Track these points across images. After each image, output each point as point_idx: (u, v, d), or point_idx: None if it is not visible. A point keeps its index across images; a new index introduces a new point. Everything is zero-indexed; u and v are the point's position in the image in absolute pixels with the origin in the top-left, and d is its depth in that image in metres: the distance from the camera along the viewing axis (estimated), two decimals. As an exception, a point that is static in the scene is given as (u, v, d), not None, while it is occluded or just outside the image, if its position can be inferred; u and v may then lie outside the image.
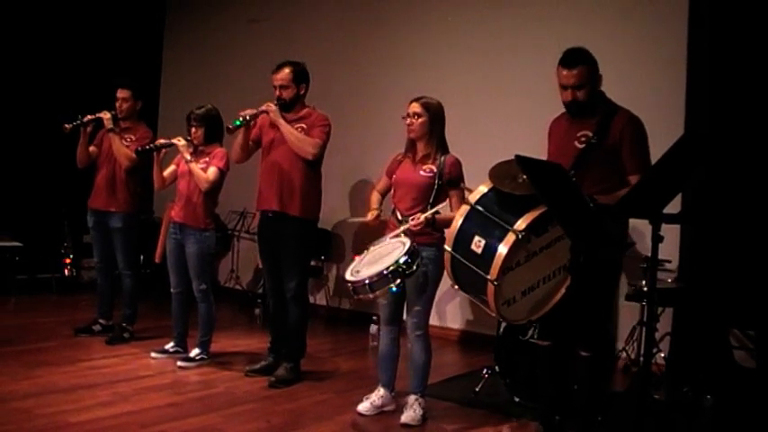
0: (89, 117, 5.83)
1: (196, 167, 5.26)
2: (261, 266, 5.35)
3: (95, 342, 5.83)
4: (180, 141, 5.35)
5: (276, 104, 4.99)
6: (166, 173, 5.54)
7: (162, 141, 5.44)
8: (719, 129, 5.36)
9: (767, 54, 5.26)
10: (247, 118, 4.95)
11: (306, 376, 5.18)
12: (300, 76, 5.07)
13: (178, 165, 5.46)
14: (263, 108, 4.97)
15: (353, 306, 7.44)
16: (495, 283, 3.47)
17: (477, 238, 3.60)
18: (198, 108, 5.39)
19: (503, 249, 3.46)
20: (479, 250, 3.58)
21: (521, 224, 3.46)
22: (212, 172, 5.29)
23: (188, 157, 5.27)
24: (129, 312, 6.00)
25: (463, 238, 3.69)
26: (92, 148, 6.04)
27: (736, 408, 4.75)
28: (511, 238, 3.45)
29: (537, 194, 3.49)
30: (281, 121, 4.94)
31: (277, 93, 5.04)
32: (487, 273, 3.49)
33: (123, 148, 5.82)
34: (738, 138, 5.19)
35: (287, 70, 5.05)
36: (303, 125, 5.02)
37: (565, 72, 3.84)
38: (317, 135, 4.98)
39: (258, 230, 5.27)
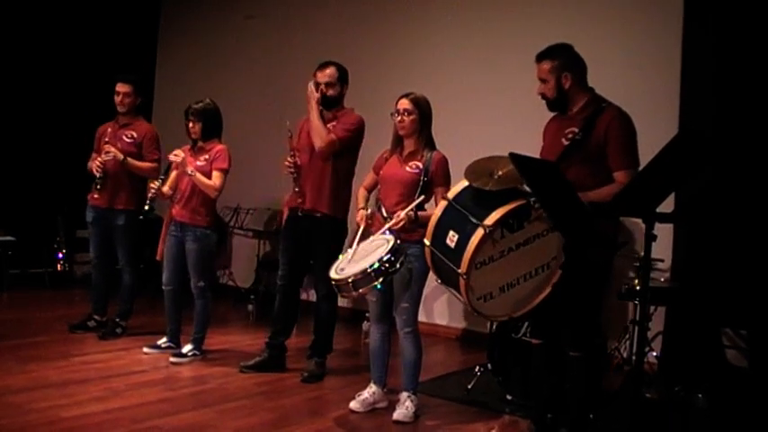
0: (99, 166, 5.77)
1: (200, 178, 5.25)
2: (280, 260, 5.33)
3: (88, 337, 5.83)
4: (177, 157, 5.27)
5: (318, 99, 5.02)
6: (168, 184, 5.49)
7: (155, 186, 5.37)
8: (714, 126, 5.37)
9: (765, 52, 5.27)
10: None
11: (298, 373, 5.18)
12: (344, 76, 5.13)
13: (178, 167, 5.42)
14: (313, 96, 5.00)
15: (347, 303, 7.44)
16: (465, 276, 3.49)
17: (451, 233, 3.64)
18: (196, 103, 5.37)
19: (471, 243, 3.49)
20: (453, 244, 3.62)
21: (490, 219, 3.48)
22: (217, 177, 5.29)
23: (189, 171, 5.24)
24: (124, 308, 6.00)
25: (440, 232, 3.73)
26: (95, 156, 6.02)
27: (729, 407, 4.77)
28: (479, 232, 3.48)
29: (518, 189, 3.54)
30: (313, 105, 4.97)
31: (322, 89, 5.04)
32: (458, 267, 3.52)
33: (145, 165, 5.87)
34: (733, 136, 5.20)
35: (332, 68, 5.10)
36: (334, 123, 5.06)
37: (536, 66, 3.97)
38: (335, 131, 5.01)
39: (285, 226, 5.27)
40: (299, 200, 5.10)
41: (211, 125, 5.38)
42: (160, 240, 5.58)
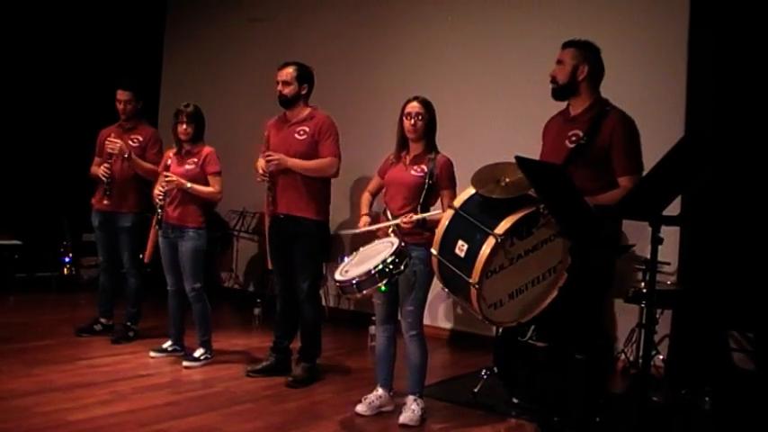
0: (105, 171, 5.77)
1: (199, 189, 5.30)
2: (270, 267, 5.37)
3: (94, 341, 5.84)
4: (171, 179, 5.26)
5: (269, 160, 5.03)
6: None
7: (159, 199, 5.35)
8: (721, 130, 5.36)
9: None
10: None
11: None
12: (304, 76, 5.15)
13: (167, 168, 5.41)
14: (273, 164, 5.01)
15: (353, 306, 7.44)
16: (477, 286, 3.48)
17: (460, 242, 3.63)
18: (186, 106, 5.39)
19: (483, 253, 3.48)
20: (462, 254, 3.60)
21: (500, 228, 3.47)
22: (216, 182, 5.37)
23: (188, 186, 5.27)
24: (133, 312, 6.01)
25: (448, 242, 3.71)
26: (97, 160, 6.04)
27: (735, 410, 4.76)
28: (491, 241, 3.46)
29: (526, 196, 3.53)
30: (292, 162, 5.00)
31: (279, 88, 5.11)
32: (470, 276, 3.51)
33: (149, 167, 5.86)
34: (739, 139, 5.19)
35: (291, 68, 5.14)
36: (306, 128, 5.08)
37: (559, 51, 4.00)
38: (330, 151, 5.07)
39: (269, 232, 5.29)
40: (271, 207, 5.15)
41: (201, 128, 5.43)
42: (149, 242, 5.59)
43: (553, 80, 3.97)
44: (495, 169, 3.71)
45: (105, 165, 5.78)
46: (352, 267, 4.11)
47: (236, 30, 8.76)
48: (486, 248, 3.47)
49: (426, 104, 4.41)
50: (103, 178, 5.78)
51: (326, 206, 5.19)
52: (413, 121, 4.38)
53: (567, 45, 3.97)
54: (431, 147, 4.44)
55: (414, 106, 4.40)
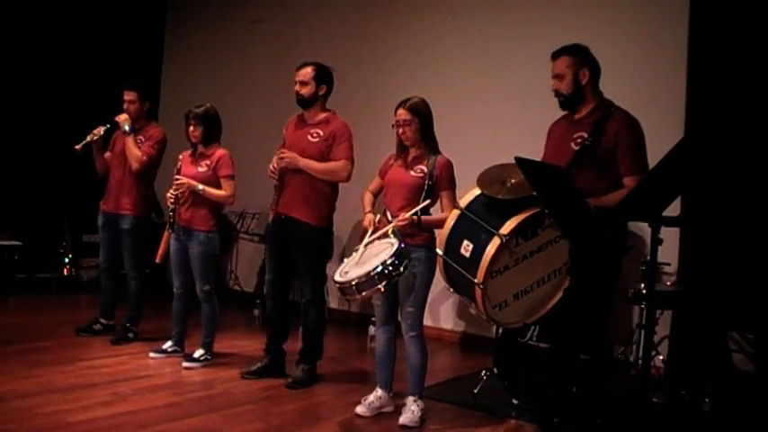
0: (97, 132, 5.82)
1: (212, 192, 5.28)
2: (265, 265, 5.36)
3: (95, 342, 5.83)
4: (181, 181, 5.26)
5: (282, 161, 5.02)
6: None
7: (170, 202, 5.35)
8: (721, 130, 5.36)
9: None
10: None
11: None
12: (322, 76, 5.10)
13: (179, 171, 5.41)
14: (284, 162, 5.01)
15: (352, 307, 7.44)
16: (482, 286, 3.49)
17: (465, 242, 3.65)
18: (197, 107, 5.37)
19: (488, 253, 3.48)
20: (468, 254, 3.63)
21: (505, 228, 3.49)
22: (228, 185, 5.33)
23: (200, 188, 5.25)
24: (133, 314, 6.01)
25: (453, 242, 3.74)
26: (107, 154, 6.05)
27: (735, 411, 4.76)
28: (496, 242, 3.48)
29: (531, 197, 3.54)
30: (304, 162, 4.98)
31: (296, 88, 5.08)
32: (474, 276, 3.52)
33: (135, 150, 5.82)
34: (739, 140, 5.19)
35: (309, 68, 5.10)
36: (320, 131, 5.05)
37: (551, 63, 3.97)
38: (342, 154, 5.01)
39: (270, 230, 5.27)
40: (273, 206, 5.13)
41: (212, 130, 5.39)
42: (161, 243, 5.58)
43: (557, 93, 3.95)
44: (501, 170, 3.72)
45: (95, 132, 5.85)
46: (351, 269, 4.10)
47: (237, 30, 8.76)
48: (491, 248, 3.48)
49: (414, 109, 4.35)
50: (89, 136, 5.80)
51: (330, 213, 5.13)
52: (401, 130, 4.37)
53: (557, 54, 3.95)
54: (431, 148, 4.42)
55: (400, 113, 4.37)
